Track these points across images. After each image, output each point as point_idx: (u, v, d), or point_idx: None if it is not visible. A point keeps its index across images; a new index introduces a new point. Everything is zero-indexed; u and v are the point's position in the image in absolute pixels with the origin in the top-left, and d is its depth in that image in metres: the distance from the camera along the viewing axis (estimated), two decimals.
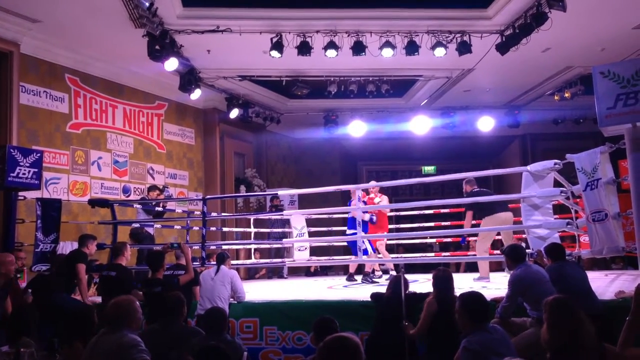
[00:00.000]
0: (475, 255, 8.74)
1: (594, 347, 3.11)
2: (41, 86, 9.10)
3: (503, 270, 8.09)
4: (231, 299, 6.40)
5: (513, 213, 7.85)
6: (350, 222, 8.70)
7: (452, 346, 4.19)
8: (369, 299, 5.92)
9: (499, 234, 8.24)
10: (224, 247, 8.93)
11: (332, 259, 10.85)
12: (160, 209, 9.57)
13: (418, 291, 5.75)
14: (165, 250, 6.86)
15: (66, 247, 8.29)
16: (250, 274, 11.80)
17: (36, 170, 7.69)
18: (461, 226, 8.72)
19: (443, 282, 5.19)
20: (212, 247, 8.98)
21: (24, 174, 7.47)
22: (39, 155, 7.80)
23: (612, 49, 9.87)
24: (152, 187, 9.82)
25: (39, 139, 9.00)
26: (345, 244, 9.51)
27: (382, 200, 8.95)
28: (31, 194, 8.11)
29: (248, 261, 10.74)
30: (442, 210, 10.47)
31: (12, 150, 7.43)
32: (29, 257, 7.85)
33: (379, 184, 9.14)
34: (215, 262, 6.86)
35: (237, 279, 6.51)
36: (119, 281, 6.12)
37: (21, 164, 7.47)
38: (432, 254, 9.54)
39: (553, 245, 5.60)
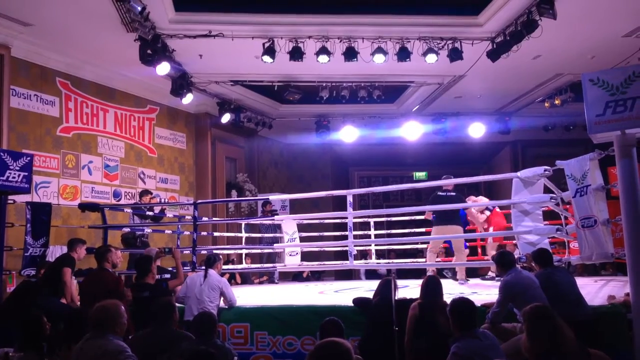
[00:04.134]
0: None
1: (576, 352, 3.15)
2: (32, 89, 9.06)
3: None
4: (221, 304, 6.36)
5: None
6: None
7: (439, 351, 4.23)
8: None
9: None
10: (215, 252, 8.88)
11: (324, 264, 10.84)
12: (150, 213, 9.50)
13: (408, 297, 5.77)
14: (158, 255, 6.83)
15: (56, 251, 8.23)
16: (249, 279, 11.71)
17: (26, 174, 7.63)
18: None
19: (429, 289, 5.28)
20: (203, 252, 8.94)
21: (13, 177, 7.41)
22: (29, 158, 7.75)
23: (602, 56, 9.97)
24: (145, 192, 9.77)
25: (29, 142, 8.95)
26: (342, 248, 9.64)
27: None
28: (21, 198, 8.06)
29: (239, 266, 10.70)
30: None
31: (2, 154, 7.38)
32: (18, 261, 7.80)
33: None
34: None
35: (227, 287, 6.38)
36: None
37: (11, 167, 7.41)
38: (423, 260, 9.53)
39: (539, 251, 5.61)
